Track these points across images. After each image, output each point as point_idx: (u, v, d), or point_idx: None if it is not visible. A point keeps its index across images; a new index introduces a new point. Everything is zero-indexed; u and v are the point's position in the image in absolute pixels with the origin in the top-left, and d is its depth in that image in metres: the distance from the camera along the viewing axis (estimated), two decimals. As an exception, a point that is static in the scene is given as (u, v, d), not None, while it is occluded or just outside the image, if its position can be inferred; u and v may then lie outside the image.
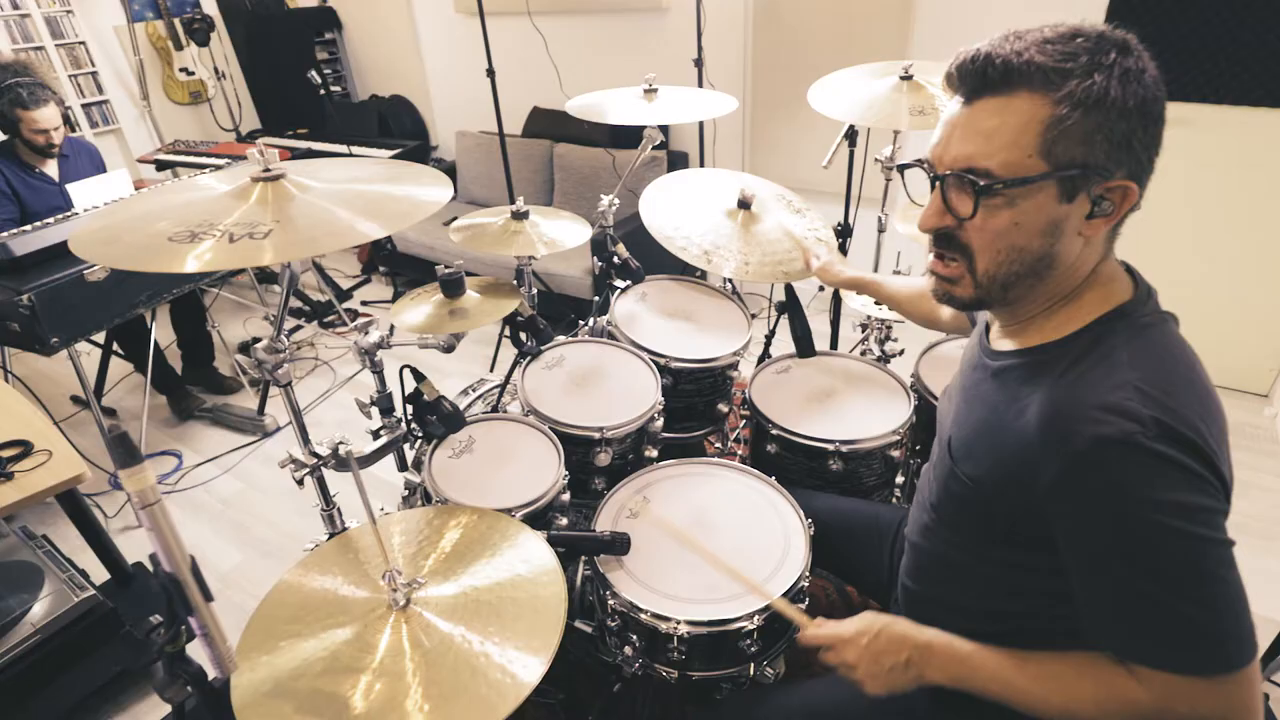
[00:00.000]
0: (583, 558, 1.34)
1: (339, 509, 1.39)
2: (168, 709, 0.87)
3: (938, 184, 0.78)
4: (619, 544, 1.17)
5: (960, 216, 0.77)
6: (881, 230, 2.11)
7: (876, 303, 1.78)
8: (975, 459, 0.85)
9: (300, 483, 1.20)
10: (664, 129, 2.44)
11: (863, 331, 2.12)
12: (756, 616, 1.10)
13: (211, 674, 0.82)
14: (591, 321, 2.01)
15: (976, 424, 0.86)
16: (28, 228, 2.23)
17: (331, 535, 1.37)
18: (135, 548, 2.14)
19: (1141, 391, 0.69)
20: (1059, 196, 0.72)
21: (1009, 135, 0.71)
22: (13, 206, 2.50)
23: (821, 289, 3.41)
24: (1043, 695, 0.79)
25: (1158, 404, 0.68)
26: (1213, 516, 0.68)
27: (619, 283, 1.87)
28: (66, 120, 2.57)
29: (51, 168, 2.61)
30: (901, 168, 0.88)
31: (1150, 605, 0.70)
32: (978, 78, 0.73)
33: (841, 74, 1.84)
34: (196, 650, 0.79)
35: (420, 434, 1.44)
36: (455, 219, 1.76)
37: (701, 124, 3.26)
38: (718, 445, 1.98)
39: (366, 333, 1.33)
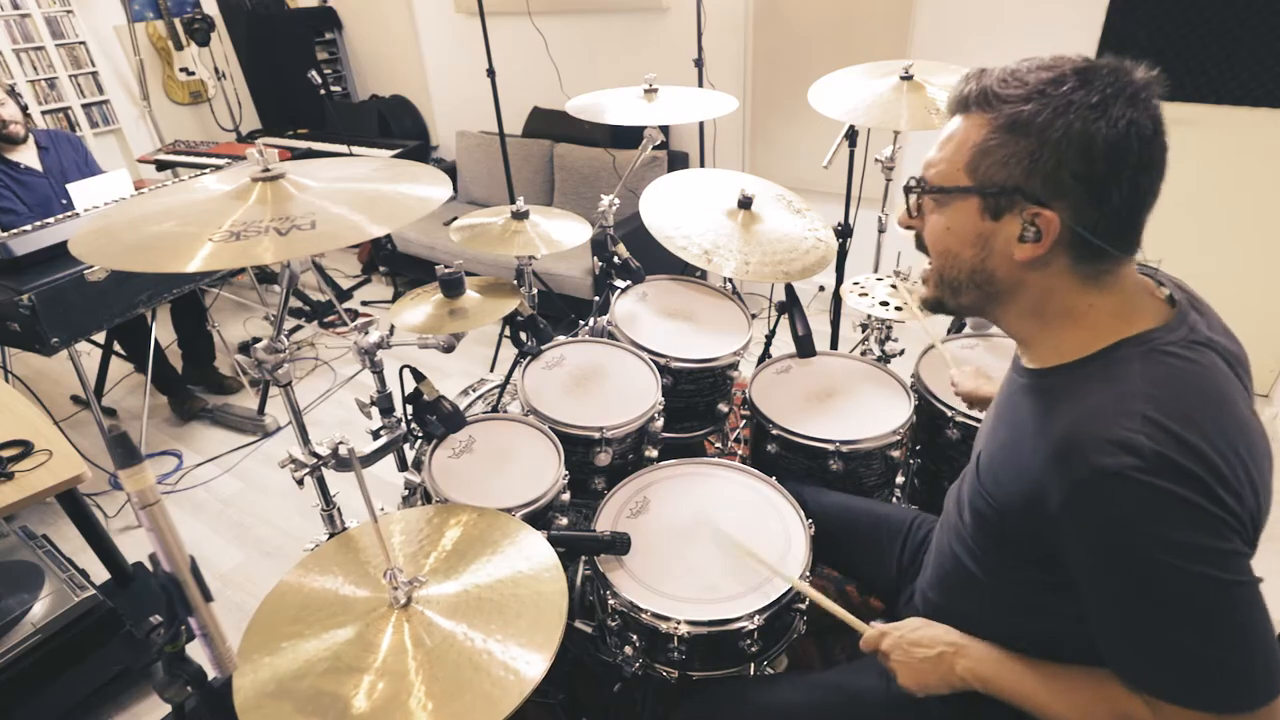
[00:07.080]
0: (583, 558, 1.34)
1: (339, 509, 1.39)
2: (168, 709, 0.87)
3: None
4: (619, 544, 1.17)
5: (910, 215, 0.85)
6: (881, 230, 2.11)
7: (882, 303, 1.79)
8: (998, 479, 0.84)
9: (300, 483, 1.20)
10: (664, 129, 2.45)
11: (863, 331, 2.12)
12: (757, 616, 1.10)
13: (211, 674, 0.82)
14: (591, 321, 2.01)
15: (1003, 442, 0.85)
16: (28, 227, 2.23)
17: (331, 535, 1.37)
18: (135, 548, 2.14)
19: (1151, 422, 0.66)
20: (982, 212, 0.76)
21: (951, 150, 0.78)
22: (12, 196, 2.53)
23: (822, 289, 3.41)
24: (1061, 711, 0.79)
25: (1168, 436, 0.65)
26: (1223, 557, 0.65)
27: (619, 283, 1.87)
28: (25, 111, 2.60)
29: (32, 158, 2.61)
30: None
31: (1158, 641, 0.69)
32: (955, 99, 0.79)
33: (842, 74, 1.85)
34: (196, 650, 0.79)
35: (420, 434, 1.44)
36: (455, 219, 1.77)
37: (702, 124, 3.26)
38: (718, 445, 1.98)
39: (366, 333, 1.33)
